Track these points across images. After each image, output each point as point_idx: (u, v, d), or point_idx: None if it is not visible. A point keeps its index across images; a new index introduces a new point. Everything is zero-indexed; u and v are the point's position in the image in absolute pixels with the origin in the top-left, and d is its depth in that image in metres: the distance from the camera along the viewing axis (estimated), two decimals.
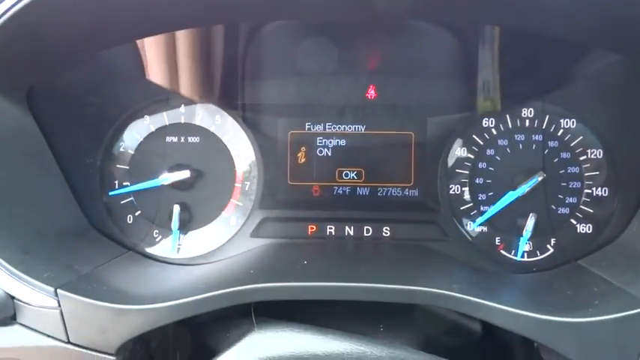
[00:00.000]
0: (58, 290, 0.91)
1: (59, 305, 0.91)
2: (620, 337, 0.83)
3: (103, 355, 0.91)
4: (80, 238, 1.18)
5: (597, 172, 1.23)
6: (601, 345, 0.84)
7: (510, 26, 1.19)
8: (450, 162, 1.28)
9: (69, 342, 0.91)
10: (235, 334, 0.98)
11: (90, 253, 1.13)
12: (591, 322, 0.84)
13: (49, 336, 0.91)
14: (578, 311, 0.87)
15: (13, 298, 0.92)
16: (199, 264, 1.26)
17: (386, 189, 1.30)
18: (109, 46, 1.16)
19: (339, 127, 1.31)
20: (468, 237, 1.27)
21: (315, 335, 0.92)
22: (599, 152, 1.23)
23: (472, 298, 0.88)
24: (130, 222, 1.31)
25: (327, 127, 1.31)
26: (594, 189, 1.23)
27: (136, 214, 1.31)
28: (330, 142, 1.31)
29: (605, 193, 1.23)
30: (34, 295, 0.92)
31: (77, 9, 0.94)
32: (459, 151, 1.28)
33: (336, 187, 1.31)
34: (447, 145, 1.28)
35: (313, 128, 1.31)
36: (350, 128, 1.31)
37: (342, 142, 1.31)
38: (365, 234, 1.27)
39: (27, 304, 0.92)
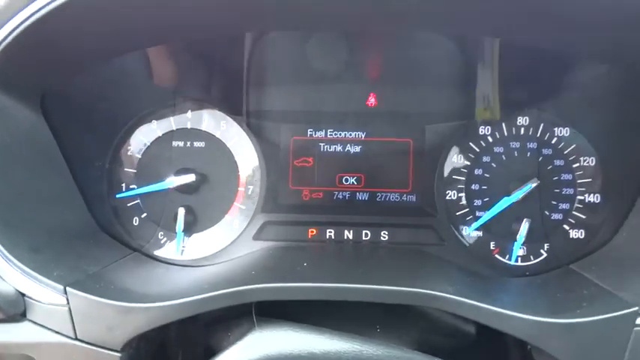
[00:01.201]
0: (67, 288, 0.94)
1: (68, 303, 0.94)
2: (606, 338, 0.86)
3: (109, 352, 0.93)
4: (88, 239, 1.21)
5: (590, 179, 1.27)
6: (589, 345, 0.87)
7: (508, 38, 1.22)
8: (447, 168, 1.32)
9: (76, 338, 0.94)
10: (237, 333, 1.02)
11: (97, 254, 1.17)
12: (579, 323, 0.86)
13: (57, 332, 0.94)
14: (567, 313, 0.90)
15: (23, 295, 0.95)
16: (202, 265, 1.30)
17: (385, 194, 1.33)
18: (121, 53, 1.19)
19: (340, 134, 1.35)
20: (464, 241, 1.30)
21: (313, 334, 0.95)
22: (592, 160, 1.27)
23: (466, 300, 0.91)
24: (136, 224, 1.35)
25: (328, 133, 1.35)
26: (587, 195, 1.27)
27: (142, 216, 1.35)
28: (332, 148, 1.35)
29: (597, 199, 1.26)
30: (44, 293, 0.95)
31: (92, 20, 0.97)
32: (455, 157, 1.31)
33: (337, 192, 1.35)
34: (444, 152, 1.31)
35: (315, 134, 1.35)
36: (351, 135, 1.34)
37: (343, 148, 1.35)
38: (364, 238, 1.31)
39: (37, 301, 0.94)
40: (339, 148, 1.35)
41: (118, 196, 1.34)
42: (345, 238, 1.31)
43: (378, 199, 1.34)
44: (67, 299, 0.94)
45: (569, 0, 0.88)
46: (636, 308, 0.85)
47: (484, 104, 1.31)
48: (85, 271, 1.05)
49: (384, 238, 1.30)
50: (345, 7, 1.02)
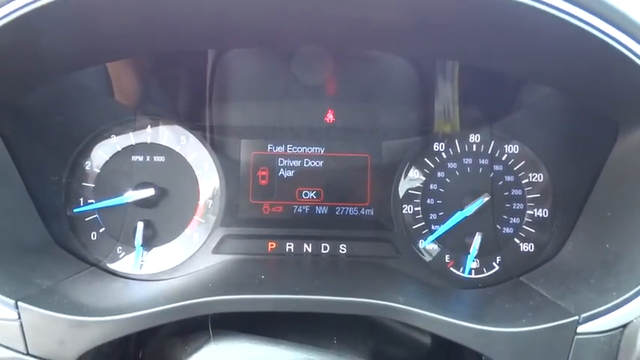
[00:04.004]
0: (19, 303, 0.93)
1: (19, 317, 0.93)
2: (549, 346, 0.89)
3: None
4: (42, 254, 1.19)
5: (538, 195, 1.32)
6: (532, 353, 0.90)
7: (465, 61, 1.29)
8: (404, 183, 1.35)
9: (28, 353, 0.93)
10: (193, 347, 1.02)
11: (52, 269, 1.15)
12: (523, 332, 0.90)
13: (7, 348, 0.93)
14: (513, 322, 0.93)
15: None
16: (161, 280, 1.29)
17: (343, 208, 1.36)
18: (81, 67, 1.19)
19: (299, 149, 1.37)
20: (420, 255, 1.33)
21: (268, 346, 0.96)
22: (540, 176, 1.32)
23: (414, 309, 0.93)
24: (94, 238, 1.34)
25: (288, 148, 1.37)
26: (535, 210, 1.32)
27: (100, 230, 1.34)
28: (291, 163, 1.37)
29: (545, 214, 1.31)
30: None
31: (57, 31, 0.96)
32: (411, 173, 1.35)
33: (296, 206, 1.37)
34: (400, 167, 1.35)
35: (275, 149, 1.37)
36: (310, 150, 1.37)
37: (303, 163, 1.37)
38: (322, 251, 1.33)
39: None
40: (298, 162, 1.37)
41: (75, 210, 1.33)
42: (305, 251, 1.33)
43: (337, 213, 1.36)
44: (19, 314, 0.93)
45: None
46: (577, 317, 0.89)
47: (438, 121, 1.36)
48: (38, 285, 1.04)
49: (343, 251, 1.32)
50: (307, 27, 1.05)
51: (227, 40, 1.24)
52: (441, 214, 1.33)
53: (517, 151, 1.33)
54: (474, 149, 1.34)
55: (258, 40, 1.23)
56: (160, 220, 1.34)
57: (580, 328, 0.89)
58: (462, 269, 1.32)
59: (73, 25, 0.96)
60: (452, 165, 1.34)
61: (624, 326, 0.88)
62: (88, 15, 0.92)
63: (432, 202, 1.34)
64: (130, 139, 1.36)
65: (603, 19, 0.84)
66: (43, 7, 0.85)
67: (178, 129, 1.37)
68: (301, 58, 1.35)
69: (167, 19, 0.98)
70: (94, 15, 0.93)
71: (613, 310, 0.88)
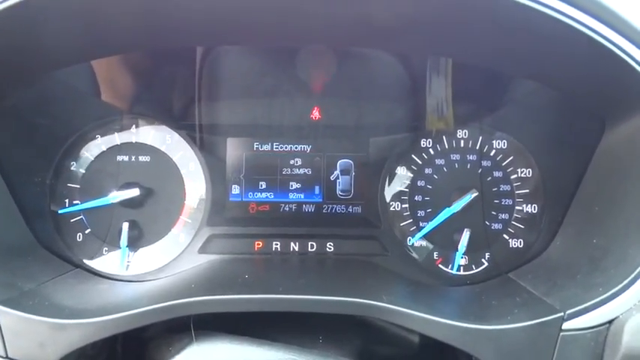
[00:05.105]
0: None
1: None
2: (534, 342, 0.88)
3: None
4: (26, 256, 1.18)
5: (527, 190, 1.31)
6: (517, 350, 0.88)
7: (459, 58, 1.27)
8: (391, 180, 1.34)
9: (7, 357, 0.92)
10: (177, 348, 1.01)
11: (35, 271, 1.14)
12: (507, 329, 0.88)
13: None
14: (498, 319, 0.92)
15: None
16: (147, 280, 1.28)
17: (330, 206, 1.35)
18: (75, 62, 1.17)
19: (286, 147, 1.36)
20: (408, 252, 1.32)
21: (251, 346, 0.95)
22: (529, 171, 1.31)
23: (398, 308, 0.92)
24: (80, 240, 1.32)
25: (274, 146, 1.36)
26: (524, 206, 1.31)
27: (86, 232, 1.33)
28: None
29: (534, 209, 1.30)
30: None
31: (48, 27, 0.95)
32: (399, 170, 1.34)
33: (283, 205, 1.35)
34: (387, 164, 1.34)
35: (261, 148, 1.36)
36: (296, 148, 1.36)
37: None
38: (310, 249, 1.31)
39: None
40: None
41: (60, 211, 1.32)
42: (291, 250, 1.31)
43: (324, 211, 1.35)
44: None
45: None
46: (562, 314, 0.88)
47: (437, 114, 1.34)
48: (19, 288, 1.02)
49: (330, 249, 1.31)
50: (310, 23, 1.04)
51: (224, 35, 1.21)
52: (429, 210, 1.32)
53: (505, 147, 1.32)
54: (462, 145, 1.33)
55: (254, 36, 1.20)
56: (146, 220, 1.33)
57: (565, 325, 0.87)
58: (450, 266, 1.31)
59: (67, 16, 0.94)
60: (439, 161, 1.33)
61: (610, 322, 0.86)
62: (86, 3, 0.90)
63: (420, 199, 1.33)
64: (115, 138, 1.35)
65: (594, 17, 0.83)
66: None
67: (164, 128, 1.35)
68: (307, 58, 1.34)
69: (165, 12, 0.96)
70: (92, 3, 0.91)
71: (599, 306, 0.87)
